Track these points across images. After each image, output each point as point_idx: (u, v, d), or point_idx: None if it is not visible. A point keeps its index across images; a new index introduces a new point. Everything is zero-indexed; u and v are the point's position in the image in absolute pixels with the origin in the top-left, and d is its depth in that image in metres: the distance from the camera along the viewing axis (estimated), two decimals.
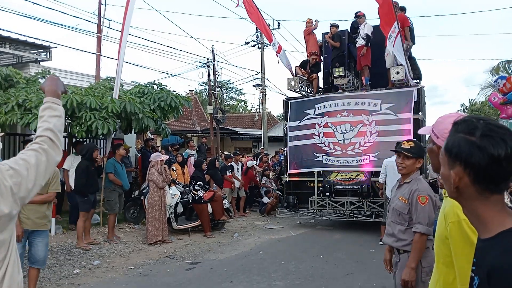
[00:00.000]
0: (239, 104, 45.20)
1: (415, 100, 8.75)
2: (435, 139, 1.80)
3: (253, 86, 22.10)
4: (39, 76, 9.04)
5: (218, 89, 20.25)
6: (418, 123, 8.62)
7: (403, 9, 9.65)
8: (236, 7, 10.45)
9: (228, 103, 42.15)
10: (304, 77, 10.52)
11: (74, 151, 8.53)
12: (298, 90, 10.39)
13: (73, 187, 7.77)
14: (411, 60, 9.67)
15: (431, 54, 79.13)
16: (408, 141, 3.43)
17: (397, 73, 8.80)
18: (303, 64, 10.84)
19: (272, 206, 11.34)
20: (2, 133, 6.01)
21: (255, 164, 13.38)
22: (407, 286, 3.08)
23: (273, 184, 12.50)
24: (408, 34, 9.41)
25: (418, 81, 9.71)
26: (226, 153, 14.20)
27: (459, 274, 1.53)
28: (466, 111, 32.32)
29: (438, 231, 1.75)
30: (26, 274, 5.09)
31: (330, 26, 10.30)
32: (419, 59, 11.41)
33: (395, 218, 3.28)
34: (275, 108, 41.54)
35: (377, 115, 9.07)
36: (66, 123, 8.25)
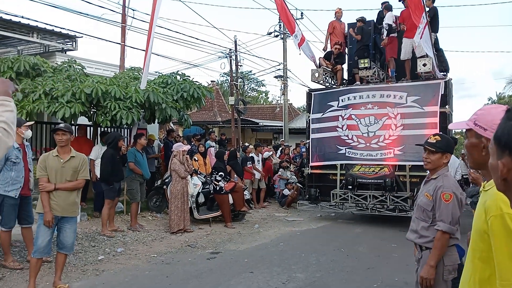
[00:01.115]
0: (260, 95, 45.13)
1: (442, 93, 8.54)
2: (481, 132, 1.68)
3: (274, 77, 21.98)
4: (66, 65, 9.20)
5: (240, 80, 20.23)
6: (445, 117, 8.45)
7: None
8: None
9: (250, 94, 42.13)
10: (328, 69, 10.38)
11: (101, 141, 8.67)
12: (322, 81, 10.26)
13: (98, 176, 7.93)
14: (438, 52, 9.41)
15: (459, 46, 76.89)
16: (435, 135, 3.34)
17: (424, 65, 8.57)
18: (327, 56, 10.70)
19: (292, 199, 11.33)
20: (32, 122, 6.16)
21: (275, 156, 13.37)
22: (425, 284, 3.03)
23: (294, 176, 12.46)
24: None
25: (445, 73, 9.46)
26: (246, 144, 14.22)
27: (500, 269, 1.47)
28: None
29: (475, 225, 1.68)
30: (53, 259, 5.27)
31: (357, 21, 10.15)
32: (446, 50, 11.12)
33: (419, 214, 3.22)
34: (297, 99, 41.43)
35: (402, 108, 8.89)
36: (91, 112, 8.40)
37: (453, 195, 3.01)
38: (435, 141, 3.18)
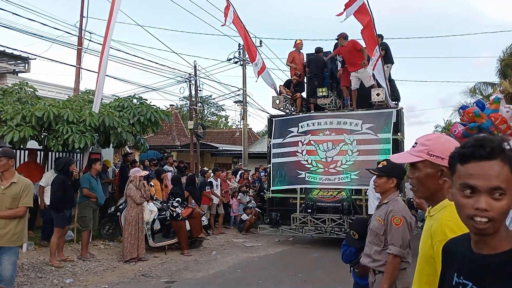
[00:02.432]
0: (220, 119, 45.19)
1: (395, 121, 9.05)
2: (439, 161, 1.72)
3: (234, 102, 22.19)
4: (17, 87, 8.85)
5: (199, 104, 20.23)
6: (397, 143, 8.94)
7: (380, 36, 9.96)
8: (222, 25, 10.59)
9: (209, 118, 42.09)
10: (288, 96, 10.68)
11: (54, 168, 8.31)
12: (282, 108, 10.62)
13: (47, 204, 7.55)
14: (391, 82, 10.03)
15: (409, 76, 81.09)
16: (383, 160, 3.47)
17: (378, 94, 9.15)
18: (287, 83, 11.00)
19: (251, 223, 11.28)
20: None
21: (234, 180, 13.34)
22: None
23: (253, 201, 12.44)
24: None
25: (396, 102, 10.06)
26: (205, 168, 14.11)
27: None
28: (444, 131, 33.07)
29: (422, 250, 1.74)
30: None
31: (316, 51, 10.76)
32: (397, 80, 11.88)
33: (372, 238, 3.30)
34: (256, 124, 41.71)
35: (358, 135, 9.34)
36: (42, 136, 8.07)
37: (403, 219, 3.11)
38: (381, 166, 3.31)
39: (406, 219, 3.12)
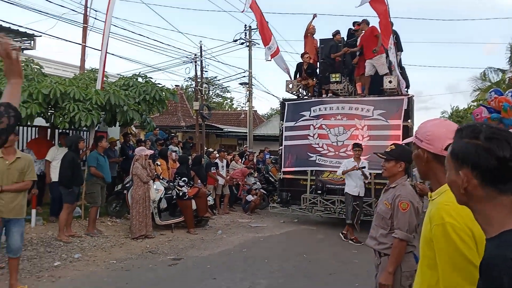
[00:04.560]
0: (225, 101, 45.09)
1: (405, 108, 9.20)
2: (418, 143, 1.83)
3: (239, 84, 22.09)
4: (23, 65, 8.81)
5: (205, 85, 20.13)
6: (407, 130, 9.07)
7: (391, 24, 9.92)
8: (242, 12, 10.64)
9: (214, 100, 42.00)
10: (301, 83, 10.69)
11: (59, 143, 8.35)
12: (295, 92, 10.78)
13: (54, 179, 7.62)
14: (401, 69, 10.17)
15: (416, 60, 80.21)
16: (391, 144, 3.45)
17: (390, 82, 9.29)
18: (299, 67, 10.91)
19: (255, 204, 11.36)
20: None
21: (240, 162, 13.38)
22: None
23: (258, 183, 12.48)
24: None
25: (407, 89, 10.20)
26: (210, 149, 14.13)
27: (442, 277, 1.54)
28: (451, 118, 32.84)
29: (423, 233, 1.76)
30: (6, 265, 5.01)
31: (333, 35, 10.64)
32: (405, 64, 11.75)
33: (379, 222, 3.30)
34: (261, 107, 41.72)
35: (369, 120, 9.50)
36: (49, 113, 8.08)
37: (410, 204, 3.11)
38: (389, 150, 3.30)
39: (413, 204, 3.12)
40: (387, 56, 9.51)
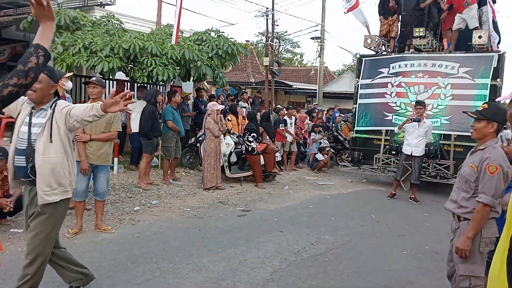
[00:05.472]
0: (295, 57, 44.28)
1: (495, 66, 8.52)
2: None
3: (311, 38, 21.42)
4: (104, 20, 9.25)
5: (275, 40, 19.84)
6: (495, 90, 8.44)
7: None
8: None
9: (284, 55, 41.40)
10: (383, 24, 10.16)
11: (137, 96, 8.81)
12: (373, 47, 10.39)
13: (133, 130, 8.12)
14: (494, 23, 9.38)
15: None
16: (484, 103, 3.21)
17: (480, 37, 8.62)
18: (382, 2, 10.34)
19: (324, 164, 11.32)
20: (71, 73, 6.30)
21: (308, 120, 13.26)
22: (460, 254, 3.00)
23: (326, 141, 12.34)
24: None
25: (498, 44, 9.47)
26: (279, 106, 14.12)
27: None
28: None
29: None
30: (92, 207, 5.54)
31: None
32: (502, 16, 10.61)
33: (461, 184, 3.15)
34: (332, 63, 40.29)
35: (453, 79, 8.95)
36: (129, 67, 8.49)
37: (499, 167, 2.91)
38: (482, 109, 3.08)
39: (503, 168, 2.92)
40: (479, 7, 8.70)
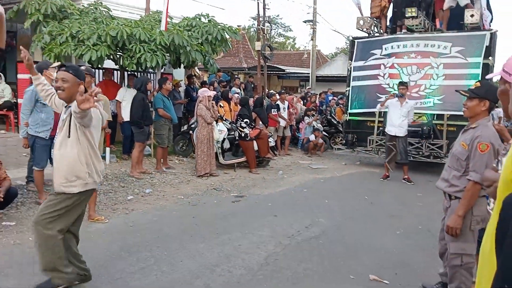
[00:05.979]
0: (288, 41, 43.96)
1: (487, 44, 8.53)
2: (506, 77, 1.61)
3: (303, 22, 21.22)
4: (92, 7, 9.08)
5: (267, 24, 19.62)
6: (487, 68, 8.47)
7: None
8: None
9: (276, 40, 41.07)
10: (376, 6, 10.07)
11: (127, 84, 8.72)
12: (366, 29, 10.36)
13: (125, 119, 8.05)
14: (486, 1, 9.34)
15: None
16: (476, 81, 3.20)
17: (472, 16, 8.62)
18: None
19: (314, 144, 11.31)
20: (58, 63, 6.19)
21: (301, 103, 13.22)
22: (451, 233, 3.02)
23: (319, 124, 12.33)
24: None
25: (491, 23, 9.47)
26: (272, 91, 14.04)
27: None
28: None
29: (502, 175, 1.62)
30: None
31: None
32: None
33: (453, 163, 3.15)
34: (325, 46, 40.05)
35: (446, 58, 8.98)
36: (118, 55, 8.37)
37: (490, 145, 2.90)
38: (474, 88, 3.07)
39: (494, 146, 2.92)
40: None
